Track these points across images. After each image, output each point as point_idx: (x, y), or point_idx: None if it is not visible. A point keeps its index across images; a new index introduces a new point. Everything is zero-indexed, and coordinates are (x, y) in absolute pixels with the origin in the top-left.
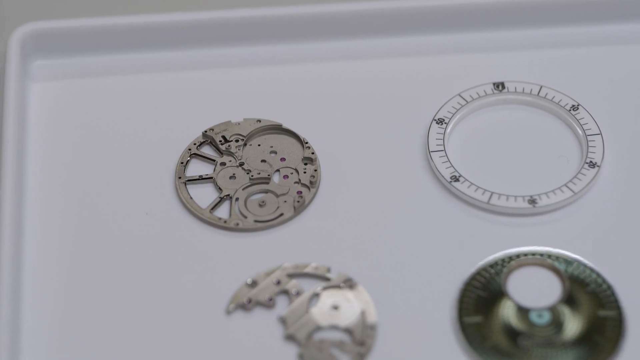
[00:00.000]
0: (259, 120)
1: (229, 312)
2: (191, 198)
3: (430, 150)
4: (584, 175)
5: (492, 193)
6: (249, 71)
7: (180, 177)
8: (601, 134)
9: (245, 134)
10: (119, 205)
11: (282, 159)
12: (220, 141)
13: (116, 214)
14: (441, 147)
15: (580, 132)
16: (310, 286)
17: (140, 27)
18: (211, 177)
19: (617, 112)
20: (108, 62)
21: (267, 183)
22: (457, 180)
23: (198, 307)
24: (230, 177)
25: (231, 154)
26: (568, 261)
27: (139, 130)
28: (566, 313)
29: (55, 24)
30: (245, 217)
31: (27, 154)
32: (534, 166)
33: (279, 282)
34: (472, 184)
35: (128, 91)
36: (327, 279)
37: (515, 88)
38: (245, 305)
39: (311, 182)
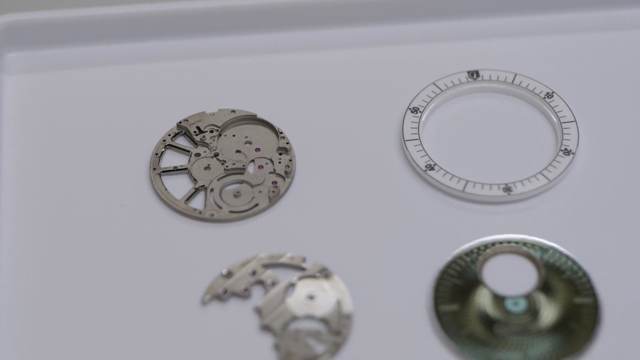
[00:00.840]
0: (234, 111)
1: (204, 302)
2: (166, 189)
3: (405, 139)
4: (559, 162)
5: (467, 181)
6: (223, 62)
7: (154, 169)
8: (576, 121)
9: (219, 125)
10: (93, 197)
11: (257, 149)
12: (195, 132)
13: (91, 205)
14: (416, 136)
15: (554, 119)
16: (285, 276)
17: (114, 18)
18: (186, 168)
19: (591, 99)
20: (82, 54)
21: (242, 173)
22: (432, 168)
23: (173, 298)
24: (205, 168)
25: (206, 145)
26: (543, 249)
27: (113, 121)
28: (542, 301)
29: (29, 16)
30: (220, 207)
31: (1, 146)
32: (509, 154)
33: (254, 273)
34: (447, 172)
35: (102, 83)
36: (303, 269)
37: (490, 76)
38: (220, 296)
39: (286, 172)
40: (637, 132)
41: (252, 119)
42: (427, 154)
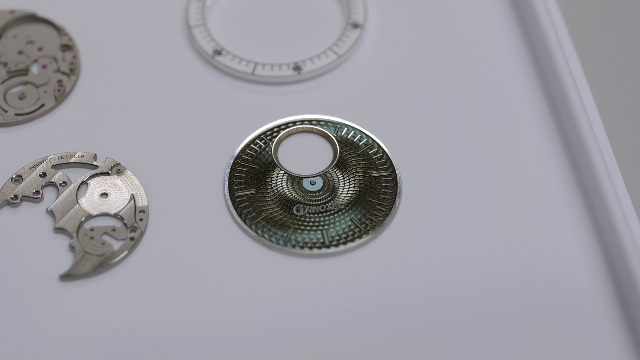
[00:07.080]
0: (13, 11)
1: None
2: None
3: (190, 25)
4: (348, 37)
5: (257, 63)
6: None
7: None
8: None
9: None
10: None
11: (40, 49)
12: None
13: None
14: (201, 22)
15: None
16: (77, 176)
17: None
18: None
19: None
20: None
21: (26, 74)
22: (219, 53)
23: None
24: None
25: None
26: (337, 126)
27: None
28: (339, 177)
29: None
30: (6, 111)
31: None
32: (298, 33)
33: (44, 175)
34: (235, 56)
35: None
36: (95, 167)
37: None
38: (11, 201)
39: (71, 70)
40: (425, 1)
41: (32, 18)
42: (213, 40)
